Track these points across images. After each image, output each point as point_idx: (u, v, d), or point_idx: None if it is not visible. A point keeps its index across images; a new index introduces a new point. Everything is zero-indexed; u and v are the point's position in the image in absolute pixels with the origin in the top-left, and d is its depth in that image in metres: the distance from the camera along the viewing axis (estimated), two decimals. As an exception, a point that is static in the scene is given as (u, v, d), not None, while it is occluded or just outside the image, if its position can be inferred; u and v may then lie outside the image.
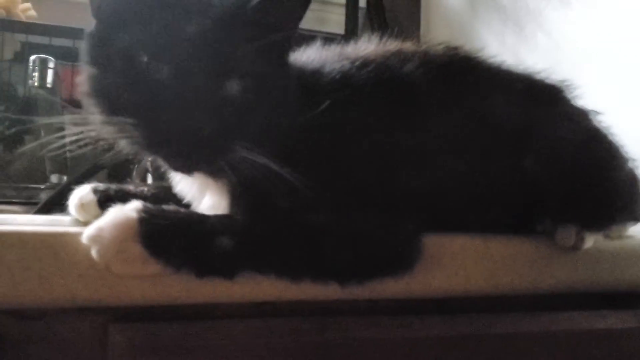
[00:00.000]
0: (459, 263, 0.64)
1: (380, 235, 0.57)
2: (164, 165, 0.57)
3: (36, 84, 1.13)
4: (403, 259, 0.58)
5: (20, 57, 1.28)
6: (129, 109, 0.52)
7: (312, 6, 0.57)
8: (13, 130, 1.21)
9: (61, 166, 1.16)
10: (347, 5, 1.43)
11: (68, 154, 0.60)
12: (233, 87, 0.52)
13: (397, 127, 0.61)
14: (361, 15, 1.47)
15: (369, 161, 0.60)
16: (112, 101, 0.53)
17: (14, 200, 1.16)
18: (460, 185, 0.64)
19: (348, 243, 0.56)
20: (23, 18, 1.29)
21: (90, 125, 0.55)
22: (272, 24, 0.54)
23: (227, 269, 0.53)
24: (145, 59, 0.51)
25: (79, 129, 0.56)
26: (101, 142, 0.56)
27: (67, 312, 0.53)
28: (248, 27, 0.53)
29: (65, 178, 1.17)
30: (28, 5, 1.31)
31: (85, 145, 0.56)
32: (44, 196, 1.16)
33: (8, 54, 1.30)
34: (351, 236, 0.56)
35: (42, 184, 1.21)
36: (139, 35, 0.51)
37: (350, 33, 1.37)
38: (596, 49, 1.04)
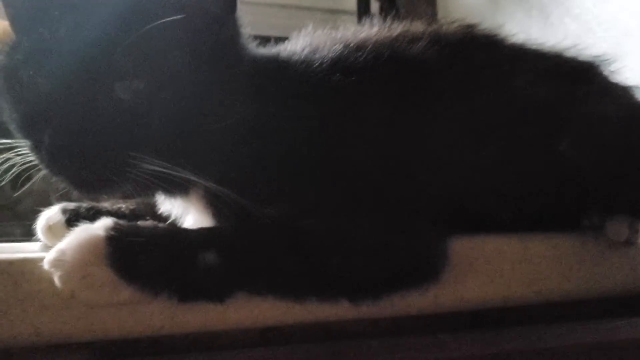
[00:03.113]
0: (494, 268, 0.55)
1: (397, 239, 0.48)
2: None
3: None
4: (426, 268, 0.49)
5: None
6: (21, 130, 0.48)
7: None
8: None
9: (66, 198, 1.11)
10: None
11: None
12: (120, 91, 0.45)
13: (404, 113, 0.53)
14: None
15: (372, 154, 0.52)
16: (13, 123, 0.49)
17: (20, 239, 1.11)
18: (487, 178, 0.56)
19: (359, 251, 0.47)
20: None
21: (14, 151, 0.50)
22: (175, 5, 0.46)
23: (215, 291, 0.45)
24: (30, 72, 0.46)
25: (6, 155, 0.51)
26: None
27: (35, 351, 0.46)
28: (134, 17, 0.45)
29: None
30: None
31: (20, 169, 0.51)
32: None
33: None
34: (362, 243, 0.47)
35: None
36: (26, 47, 0.46)
37: (363, 11, 1.30)
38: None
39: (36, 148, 0.47)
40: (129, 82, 0.45)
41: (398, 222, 0.49)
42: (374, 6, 1.41)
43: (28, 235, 1.20)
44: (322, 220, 0.47)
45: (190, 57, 0.47)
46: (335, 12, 1.46)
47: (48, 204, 1.22)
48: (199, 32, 0.47)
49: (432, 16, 1.41)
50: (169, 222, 0.55)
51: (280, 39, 0.62)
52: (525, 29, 0.73)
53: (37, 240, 0.88)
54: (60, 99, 0.45)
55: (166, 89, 0.46)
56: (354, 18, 1.42)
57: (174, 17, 0.44)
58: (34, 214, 1.23)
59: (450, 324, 0.56)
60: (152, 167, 0.45)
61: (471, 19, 0.72)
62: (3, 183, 0.51)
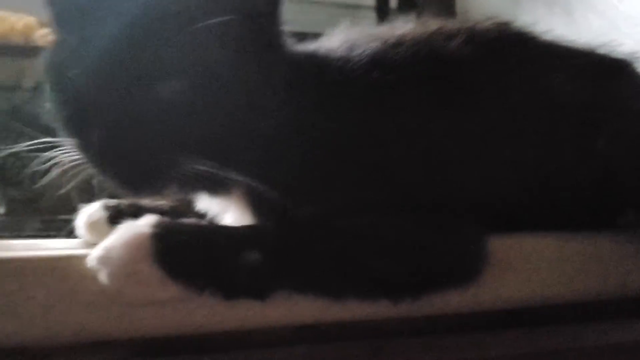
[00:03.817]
0: (532, 267, 0.55)
1: (438, 239, 0.48)
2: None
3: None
4: (468, 266, 0.49)
5: (43, 86, 1.24)
6: (67, 129, 0.48)
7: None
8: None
9: (89, 195, 1.11)
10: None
11: (95, 182, 0.54)
12: (163, 92, 0.45)
13: (442, 111, 0.53)
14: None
15: (413, 152, 0.51)
16: (59, 121, 0.49)
17: (42, 234, 1.12)
18: (523, 175, 0.55)
19: (399, 251, 0.47)
20: (42, 44, 1.26)
21: (61, 149, 0.50)
22: (223, 4, 0.46)
23: (258, 289, 0.45)
24: (76, 71, 0.46)
25: (52, 153, 0.51)
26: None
27: (76, 349, 0.45)
28: (181, 14, 0.45)
29: (94, 207, 1.12)
30: (47, 31, 1.27)
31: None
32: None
33: (30, 83, 1.27)
34: (402, 242, 0.47)
35: (72, 215, 1.17)
36: (72, 46, 0.46)
37: (382, 7, 1.30)
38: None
39: (84, 147, 0.46)
40: (174, 83, 0.45)
41: (439, 220, 0.48)
42: (393, 2, 1.40)
43: (47, 230, 1.21)
44: (363, 219, 0.47)
45: (234, 55, 0.46)
46: (353, 7, 1.45)
47: (68, 199, 1.22)
48: (242, 31, 0.47)
49: (451, 12, 1.41)
50: (206, 219, 0.55)
51: (298, 34, 0.61)
52: (548, 26, 0.72)
53: (58, 236, 0.88)
54: (107, 98, 0.44)
55: (210, 88, 0.45)
56: (372, 13, 1.41)
57: (221, 18, 0.44)
58: (53, 210, 1.24)
59: (488, 322, 0.56)
60: (197, 167, 0.45)
61: (490, 16, 0.71)
62: (46, 182, 0.51)
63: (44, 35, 1.27)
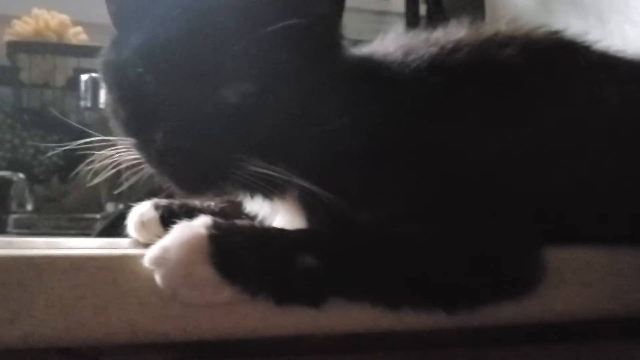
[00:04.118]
0: (584, 281, 0.53)
1: (497, 249, 0.47)
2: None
3: (88, 104, 1.09)
4: (525, 278, 0.48)
5: (73, 84, 1.24)
6: (127, 129, 0.48)
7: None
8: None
9: (117, 195, 1.11)
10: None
11: (124, 182, 0.54)
12: (229, 94, 0.45)
13: (502, 119, 0.52)
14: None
15: (471, 160, 0.50)
16: (118, 121, 0.49)
17: (69, 232, 1.12)
18: (577, 186, 0.54)
19: (458, 260, 0.46)
20: (75, 42, 1.26)
21: (115, 148, 0.50)
22: (290, 8, 0.45)
23: (312, 295, 0.44)
24: (139, 70, 0.46)
25: (105, 152, 0.50)
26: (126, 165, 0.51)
27: (127, 350, 0.45)
28: (248, 17, 0.45)
29: (121, 207, 1.12)
30: (79, 29, 1.28)
31: (114, 168, 0.51)
32: (99, 226, 1.12)
33: (60, 81, 1.28)
34: (462, 252, 0.46)
35: (97, 214, 1.17)
36: (134, 45, 0.46)
37: (412, 14, 1.30)
38: None
39: (144, 147, 0.46)
40: (239, 85, 0.44)
41: (499, 230, 0.47)
42: (423, 8, 1.39)
43: (73, 228, 1.21)
44: (422, 227, 0.46)
45: (298, 59, 0.46)
46: (383, 14, 1.45)
47: (95, 198, 1.23)
48: (307, 34, 0.46)
49: (480, 20, 1.40)
50: (256, 222, 0.54)
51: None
52: (581, 36, 0.71)
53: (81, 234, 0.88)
54: (170, 99, 0.44)
55: (273, 91, 0.45)
56: (401, 20, 1.40)
57: (289, 22, 0.44)
58: (79, 208, 1.24)
59: (536, 336, 0.55)
60: (256, 169, 0.44)
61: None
62: (101, 180, 0.50)
63: (77, 34, 1.28)
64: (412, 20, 1.36)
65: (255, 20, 0.44)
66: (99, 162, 0.51)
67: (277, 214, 0.53)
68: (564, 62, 0.57)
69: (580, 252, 0.54)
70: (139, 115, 0.46)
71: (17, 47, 1.27)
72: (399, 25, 1.39)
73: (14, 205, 1.15)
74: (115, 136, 0.50)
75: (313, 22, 0.46)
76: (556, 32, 0.61)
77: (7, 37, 1.27)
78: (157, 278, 0.42)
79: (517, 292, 0.48)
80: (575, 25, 1.21)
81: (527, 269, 0.48)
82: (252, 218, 0.55)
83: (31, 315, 0.40)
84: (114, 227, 0.93)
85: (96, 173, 0.57)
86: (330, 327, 0.46)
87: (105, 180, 0.52)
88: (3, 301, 0.40)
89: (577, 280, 0.53)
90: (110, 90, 0.49)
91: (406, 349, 0.51)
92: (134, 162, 0.48)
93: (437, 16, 1.38)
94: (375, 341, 0.51)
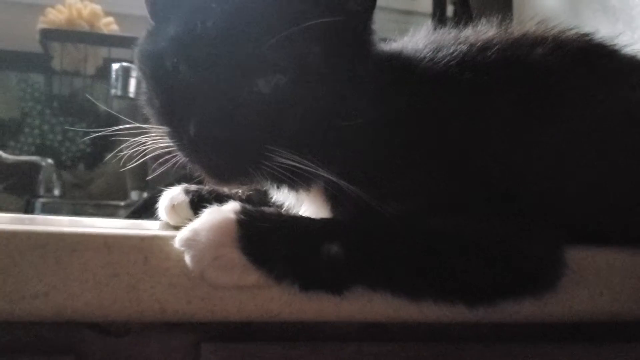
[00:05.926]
0: (604, 281, 0.53)
1: (521, 244, 0.47)
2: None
3: (119, 93, 1.11)
4: (547, 275, 0.48)
5: (103, 73, 1.27)
6: (161, 117, 0.49)
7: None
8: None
9: (142, 182, 1.13)
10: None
11: (150, 171, 0.55)
12: (262, 85, 0.46)
13: (532, 117, 0.52)
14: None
15: (498, 156, 0.51)
16: (152, 109, 0.50)
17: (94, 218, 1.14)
18: (602, 187, 0.54)
19: (480, 255, 0.46)
20: (106, 32, 1.29)
21: (146, 136, 0.51)
22: (324, 4, 0.46)
23: (336, 282, 0.45)
24: (175, 60, 0.47)
25: (136, 139, 0.52)
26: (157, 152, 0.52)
27: (154, 328, 0.46)
28: (284, 13, 0.46)
29: (145, 194, 1.14)
30: (110, 19, 1.31)
31: (144, 155, 0.52)
32: (123, 213, 1.14)
33: (91, 70, 1.30)
34: (485, 246, 0.46)
35: (122, 201, 1.19)
36: (171, 35, 0.47)
37: (439, 13, 1.30)
38: None
39: (177, 135, 0.47)
40: (272, 77, 0.45)
41: (522, 225, 0.48)
42: (450, 9, 1.39)
43: (98, 214, 1.23)
44: (447, 220, 0.46)
45: (332, 53, 0.47)
46: (409, 14, 1.45)
47: (120, 186, 1.25)
48: (338, 31, 0.47)
49: (507, 21, 1.40)
50: (282, 210, 0.55)
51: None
52: (611, 39, 0.71)
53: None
54: (205, 89, 0.45)
55: (306, 84, 0.46)
56: (428, 20, 1.41)
57: (324, 19, 0.45)
58: (104, 195, 1.26)
59: (554, 334, 0.55)
60: (285, 161, 0.46)
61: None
62: (133, 165, 0.52)
63: (108, 24, 1.30)
64: (439, 20, 1.37)
65: (291, 15, 0.45)
66: (128, 150, 0.52)
67: (302, 204, 0.54)
68: (594, 64, 0.58)
69: (601, 253, 0.54)
70: (173, 104, 0.47)
71: (50, 35, 1.30)
72: (427, 25, 1.39)
73: (42, 190, 1.17)
74: (147, 124, 0.51)
75: (345, 18, 0.47)
76: (586, 35, 0.61)
77: (41, 25, 1.29)
78: (187, 259, 0.43)
79: (537, 288, 0.48)
80: (604, 29, 1.21)
81: (547, 265, 0.48)
82: (279, 206, 0.56)
83: (65, 290, 0.42)
84: (141, 213, 0.95)
85: (124, 161, 0.59)
86: (352, 315, 0.47)
87: (131, 168, 0.54)
88: (39, 275, 0.41)
89: (598, 280, 0.53)
90: (145, 79, 0.50)
91: (424, 340, 0.52)
92: (165, 150, 0.50)
93: (464, 16, 1.38)
94: (395, 332, 0.52)
